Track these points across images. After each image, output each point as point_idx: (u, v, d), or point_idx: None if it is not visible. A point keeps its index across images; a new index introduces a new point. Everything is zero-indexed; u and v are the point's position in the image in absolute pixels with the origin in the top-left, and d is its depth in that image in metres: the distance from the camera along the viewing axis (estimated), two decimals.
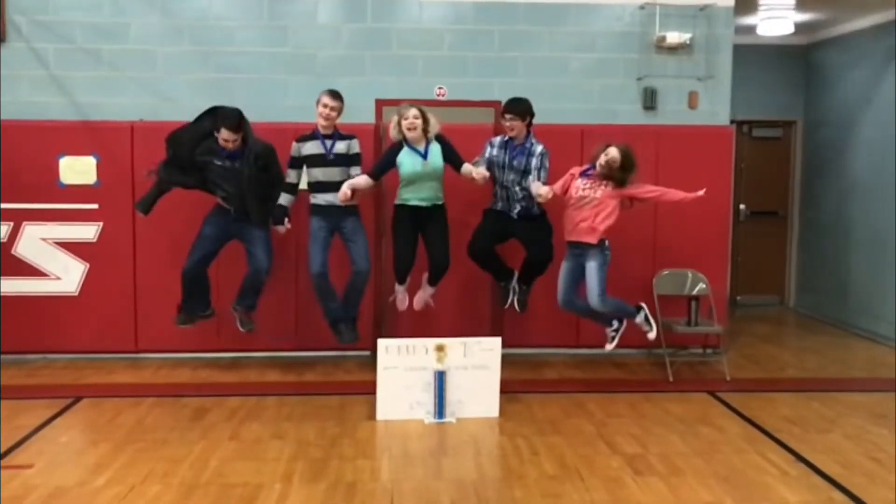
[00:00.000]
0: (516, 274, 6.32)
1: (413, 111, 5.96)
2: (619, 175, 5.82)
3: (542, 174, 6.04)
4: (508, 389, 5.81)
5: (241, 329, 6.31)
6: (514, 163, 6.04)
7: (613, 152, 5.82)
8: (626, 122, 7.36)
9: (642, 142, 7.08)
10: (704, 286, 6.86)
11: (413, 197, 6.09)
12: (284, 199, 6.19)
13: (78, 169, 6.78)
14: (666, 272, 6.91)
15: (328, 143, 6.16)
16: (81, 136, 6.81)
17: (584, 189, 5.89)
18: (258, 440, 5.06)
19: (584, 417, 5.57)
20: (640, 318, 5.99)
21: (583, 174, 5.98)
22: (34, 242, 6.78)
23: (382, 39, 7.26)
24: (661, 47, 7.40)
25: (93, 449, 4.92)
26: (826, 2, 7.91)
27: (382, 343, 5.50)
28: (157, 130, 6.83)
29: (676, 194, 6.00)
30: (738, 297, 9.66)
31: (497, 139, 6.18)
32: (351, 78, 7.24)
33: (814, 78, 9.46)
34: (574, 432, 5.27)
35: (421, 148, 6.02)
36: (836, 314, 8.86)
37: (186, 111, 7.05)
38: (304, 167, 6.20)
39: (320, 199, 6.19)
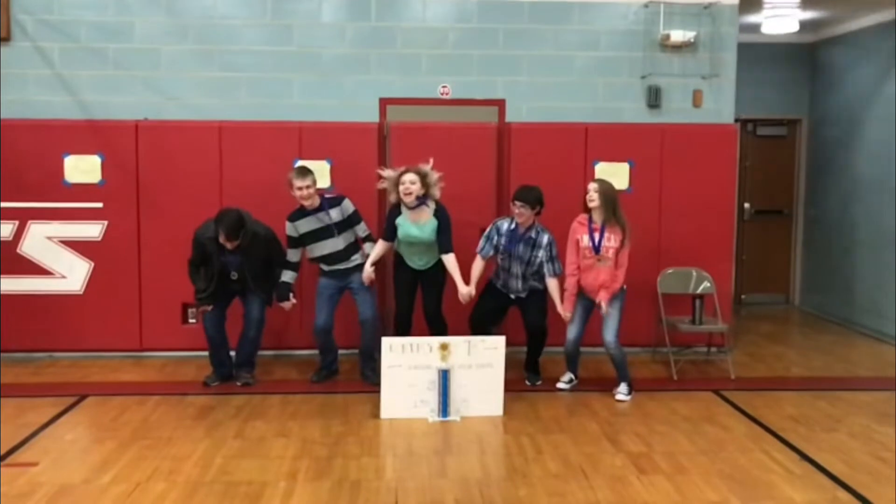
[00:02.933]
0: (525, 371, 6.32)
1: (410, 176, 5.84)
2: (608, 205, 5.78)
3: (556, 266, 6.01)
4: (513, 388, 5.82)
5: (237, 384, 6.16)
6: (519, 252, 6.01)
7: (589, 185, 5.89)
8: (630, 120, 7.35)
9: (646, 140, 7.11)
10: (709, 285, 6.85)
11: (410, 258, 6.09)
12: (288, 276, 6.12)
13: (83, 168, 6.80)
14: (670, 271, 6.90)
15: (322, 215, 6.03)
16: (86, 135, 6.82)
17: (591, 254, 5.83)
18: (263, 438, 5.07)
19: (589, 416, 5.57)
20: (624, 388, 5.98)
21: (582, 224, 5.93)
22: (39, 241, 6.80)
23: (386, 38, 7.26)
24: (666, 45, 7.39)
25: (98, 447, 4.94)
26: (831, 0, 7.89)
27: (386, 342, 5.49)
28: (161, 129, 6.88)
29: (620, 274, 5.89)
30: (743, 296, 9.64)
31: (504, 225, 6.07)
32: (355, 76, 7.25)
33: (819, 76, 9.44)
34: (578, 431, 5.27)
35: (419, 219, 5.93)
36: (842, 313, 8.84)
37: (191, 110, 7.12)
38: (305, 244, 6.12)
39: (326, 268, 6.17)
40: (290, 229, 6.10)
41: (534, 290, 6.13)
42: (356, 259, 6.16)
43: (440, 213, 5.99)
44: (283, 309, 6.17)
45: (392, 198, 5.99)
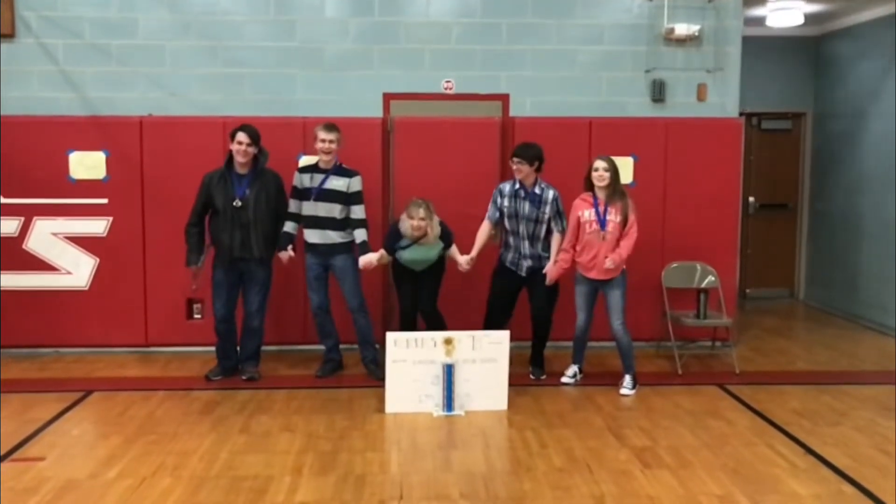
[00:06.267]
0: (530, 366, 6.31)
1: (421, 211, 5.80)
2: (614, 183, 5.81)
3: (561, 222, 6.01)
4: (517, 382, 5.83)
5: (242, 378, 6.17)
6: (526, 212, 5.99)
7: (596, 162, 5.86)
8: (634, 114, 7.34)
9: (651, 134, 7.10)
10: (713, 279, 6.85)
11: (410, 263, 6.06)
12: (289, 226, 6.12)
13: (88, 164, 6.81)
14: (675, 265, 6.90)
15: (322, 178, 6.03)
16: (91, 132, 6.83)
17: (592, 227, 5.83)
18: (268, 433, 5.09)
19: (593, 410, 5.58)
20: (629, 381, 5.99)
21: (586, 201, 5.93)
22: (45, 237, 6.82)
23: (390, 33, 7.26)
24: (670, 39, 7.38)
25: (104, 442, 4.96)
26: None
27: (391, 336, 5.50)
28: (165, 125, 6.89)
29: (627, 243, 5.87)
30: (748, 290, 9.63)
31: (506, 187, 6.07)
32: (358, 72, 7.26)
33: (823, 69, 9.41)
34: (583, 425, 5.27)
35: (422, 248, 5.96)
36: (846, 307, 8.83)
37: (195, 105, 7.13)
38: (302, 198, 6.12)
39: (309, 235, 6.12)
40: (297, 179, 6.12)
41: (542, 266, 6.06)
42: (341, 238, 6.08)
43: (445, 235, 5.99)
44: (289, 304, 6.17)
45: (402, 226, 5.95)
